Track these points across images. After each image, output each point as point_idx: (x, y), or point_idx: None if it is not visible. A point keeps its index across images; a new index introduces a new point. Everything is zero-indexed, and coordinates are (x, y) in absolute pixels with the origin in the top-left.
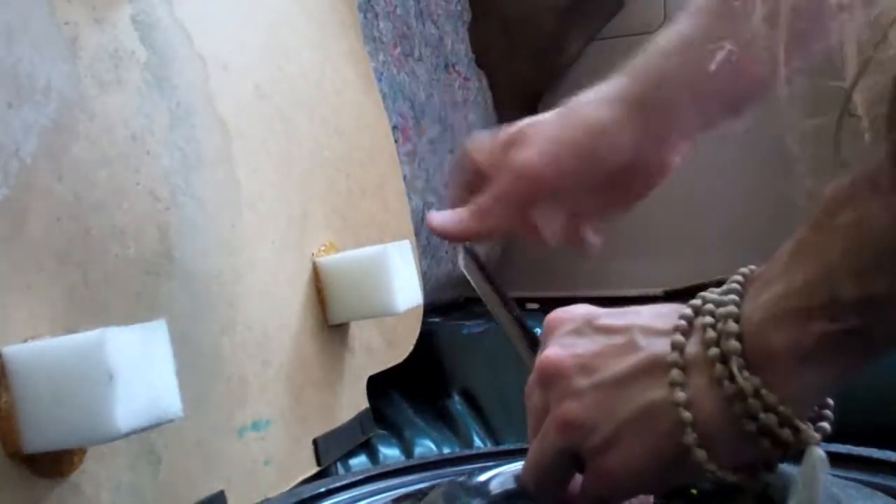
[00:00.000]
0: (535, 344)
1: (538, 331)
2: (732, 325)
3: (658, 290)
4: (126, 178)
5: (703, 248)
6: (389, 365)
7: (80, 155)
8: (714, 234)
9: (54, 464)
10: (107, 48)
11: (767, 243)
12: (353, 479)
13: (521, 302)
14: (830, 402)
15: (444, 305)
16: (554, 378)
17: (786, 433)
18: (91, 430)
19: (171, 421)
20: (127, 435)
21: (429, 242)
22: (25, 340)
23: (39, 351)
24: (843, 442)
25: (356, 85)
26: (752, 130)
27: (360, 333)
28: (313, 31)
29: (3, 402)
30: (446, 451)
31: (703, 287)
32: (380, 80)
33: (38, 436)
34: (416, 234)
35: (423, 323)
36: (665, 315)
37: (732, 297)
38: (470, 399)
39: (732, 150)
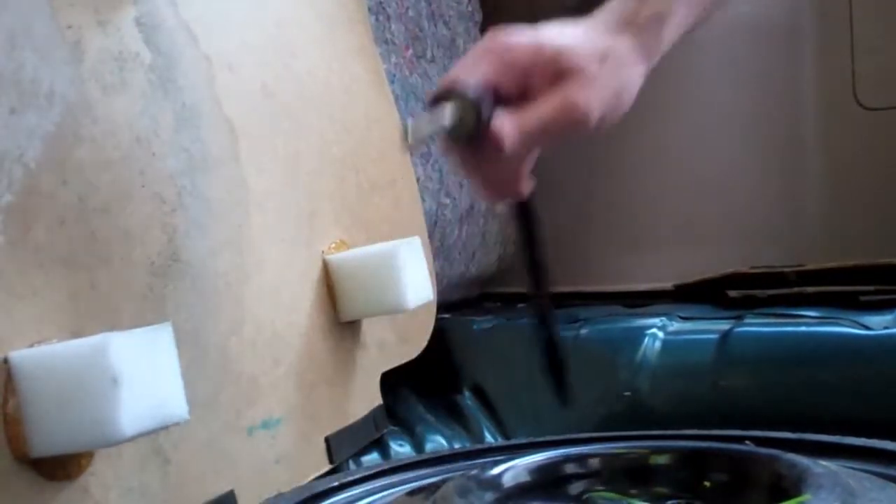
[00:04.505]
0: None
1: None
2: None
3: (668, 285)
4: (131, 180)
5: (712, 242)
6: (403, 361)
7: (85, 158)
8: (724, 229)
9: (62, 467)
10: (111, 51)
11: (778, 237)
12: (366, 474)
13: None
14: None
15: (456, 303)
16: None
17: None
18: (96, 434)
19: (176, 424)
20: (132, 438)
21: (442, 244)
22: (32, 345)
23: (45, 356)
24: (857, 434)
25: (365, 81)
26: (763, 125)
27: (373, 330)
28: (320, 28)
29: (10, 407)
30: (457, 447)
31: (713, 281)
32: (392, 81)
33: (45, 440)
34: (430, 236)
35: (434, 319)
36: None
37: None
38: (481, 395)
39: (742, 144)
